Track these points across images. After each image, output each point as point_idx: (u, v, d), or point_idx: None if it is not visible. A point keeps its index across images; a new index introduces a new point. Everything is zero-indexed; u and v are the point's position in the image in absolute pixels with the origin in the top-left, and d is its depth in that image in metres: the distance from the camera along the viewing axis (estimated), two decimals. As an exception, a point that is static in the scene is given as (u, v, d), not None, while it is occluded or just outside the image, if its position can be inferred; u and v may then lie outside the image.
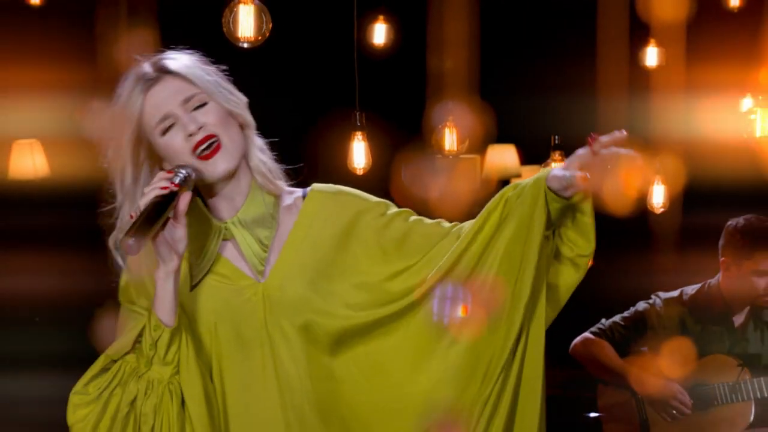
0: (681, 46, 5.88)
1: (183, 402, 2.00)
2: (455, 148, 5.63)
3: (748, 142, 5.22)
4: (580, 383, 4.39)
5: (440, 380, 2.06)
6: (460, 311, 2.07)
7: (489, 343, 2.05)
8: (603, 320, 4.20)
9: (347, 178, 4.59)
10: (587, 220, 2.06)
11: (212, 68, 2.13)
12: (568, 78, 6.38)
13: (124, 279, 2.10)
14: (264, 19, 3.76)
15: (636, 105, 5.77)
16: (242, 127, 2.11)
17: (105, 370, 1.99)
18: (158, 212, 1.92)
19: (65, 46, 5.88)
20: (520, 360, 2.07)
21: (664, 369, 4.00)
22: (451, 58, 6.28)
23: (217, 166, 2.05)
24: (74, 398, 1.99)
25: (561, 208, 2.04)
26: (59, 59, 5.75)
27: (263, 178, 2.12)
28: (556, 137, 6.06)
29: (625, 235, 4.72)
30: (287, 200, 2.16)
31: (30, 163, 5.86)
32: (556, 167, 2.03)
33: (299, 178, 2.21)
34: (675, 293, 4.15)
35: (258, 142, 2.15)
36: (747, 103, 5.43)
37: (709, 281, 4.13)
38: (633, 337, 4.13)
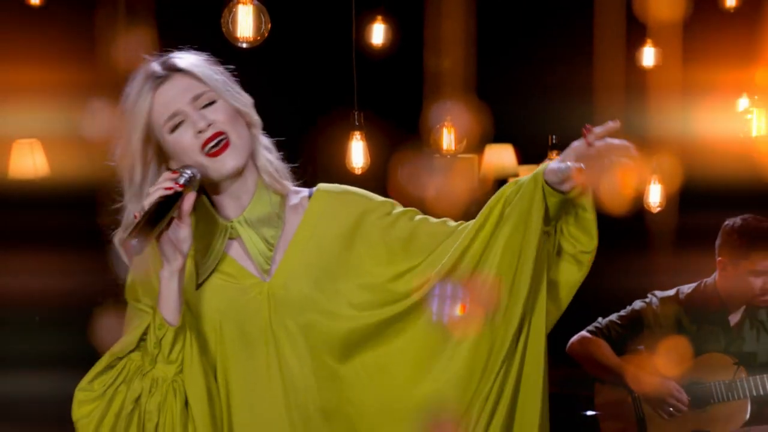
0: (678, 46, 5.89)
1: (186, 400, 2.01)
2: (453, 148, 5.64)
3: (745, 141, 5.24)
4: (577, 382, 4.39)
5: (447, 381, 2.06)
6: (459, 310, 2.07)
7: (488, 338, 2.05)
8: (600, 319, 4.20)
9: (346, 177, 4.60)
10: (589, 216, 2.07)
11: (220, 68, 2.14)
12: (565, 78, 6.39)
13: (130, 277, 2.10)
14: (263, 20, 3.76)
15: (633, 104, 5.78)
16: (249, 126, 2.12)
17: (110, 367, 2.00)
18: (162, 213, 1.92)
19: (65, 46, 5.88)
20: (520, 355, 2.07)
21: (661, 367, 4.01)
22: (448, 58, 6.30)
23: (226, 164, 2.05)
24: (79, 394, 2.00)
25: (559, 203, 2.04)
26: (59, 59, 5.75)
27: (270, 178, 2.13)
28: (554, 137, 6.09)
29: (622, 234, 4.73)
30: (293, 200, 2.16)
31: (30, 162, 5.85)
32: (553, 161, 2.03)
33: (304, 178, 2.22)
34: (671, 292, 4.15)
35: (264, 141, 2.16)
36: (743, 102, 5.46)
37: (705, 280, 4.13)
38: (630, 335, 4.13)
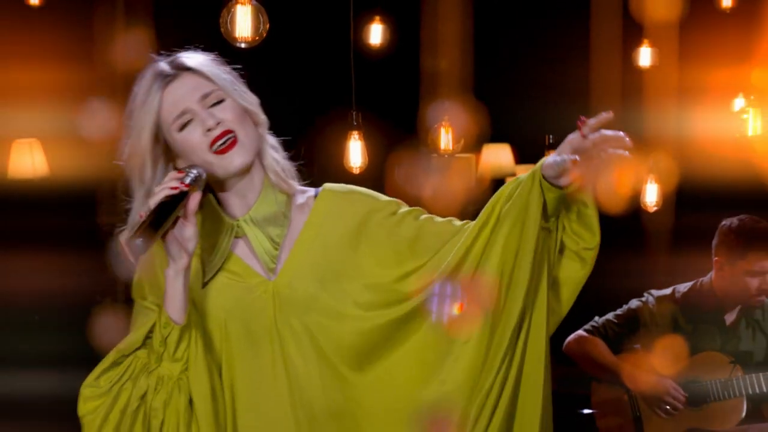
0: (674, 46, 5.90)
1: (190, 398, 2.01)
2: (451, 148, 5.65)
3: (740, 141, 5.25)
4: (574, 380, 4.40)
5: (454, 382, 2.05)
6: (459, 309, 2.07)
7: (489, 335, 2.05)
8: (596, 318, 4.21)
9: (343, 177, 4.61)
10: (590, 212, 2.06)
11: (227, 67, 2.14)
12: (562, 78, 6.40)
13: (136, 275, 2.11)
14: (261, 20, 3.77)
15: (629, 104, 5.77)
16: (256, 124, 2.12)
17: (116, 364, 2.00)
18: (167, 212, 1.93)
19: (63, 46, 5.88)
20: (521, 352, 2.07)
21: (657, 366, 4.02)
22: (446, 58, 6.30)
23: (233, 161, 2.06)
24: (85, 391, 2.00)
25: (557, 198, 2.03)
26: (58, 59, 5.75)
27: (276, 177, 2.13)
28: (551, 136, 6.10)
29: (618, 233, 4.75)
30: (300, 199, 2.17)
31: (29, 162, 5.83)
32: (550, 155, 2.03)
33: (310, 179, 2.23)
34: (667, 291, 4.16)
35: (271, 141, 2.17)
36: (739, 102, 5.47)
37: (701, 280, 4.14)
38: (626, 334, 4.14)
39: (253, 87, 2.21)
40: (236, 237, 2.11)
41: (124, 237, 2.04)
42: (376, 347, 2.08)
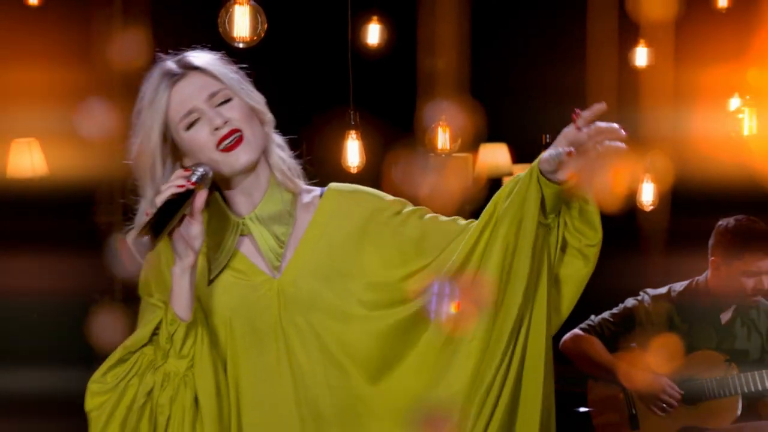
0: (670, 46, 5.91)
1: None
2: (448, 147, 5.65)
3: (736, 140, 5.26)
4: (570, 379, 4.39)
5: (461, 382, 2.05)
6: (461, 308, 2.07)
7: (489, 333, 2.06)
8: (592, 317, 4.21)
9: (341, 176, 4.62)
10: (592, 209, 2.07)
11: (233, 66, 2.15)
12: (559, 77, 6.40)
13: (143, 273, 2.12)
14: (259, 20, 3.78)
15: (625, 104, 5.78)
16: (262, 123, 2.13)
17: (123, 360, 2.01)
18: (174, 210, 1.94)
19: (62, 46, 5.88)
20: (521, 349, 2.07)
21: (653, 364, 4.02)
22: (443, 57, 6.32)
23: (239, 158, 2.06)
24: (92, 386, 2.01)
25: (556, 194, 2.03)
26: (56, 58, 5.75)
27: (282, 175, 2.14)
28: (547, 136, 6.08)
29: (614, 232, 4.76)
30: (305, 198, 2.18)
31: (28, 161, 5.83)
32: (546, 150, 2.03)
33: (317, 179, 2.24)
34: (663, 290, 4.17)
35: (277, 140, 2.18)
36: (735, 102, 5.47)
37: (696, 279, 4.14)
38: (622, 333, 4.15)
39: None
40: (242, 235, 2.12)
41: (131, 235, 2.05)
42: (389, 351, 2.08)
